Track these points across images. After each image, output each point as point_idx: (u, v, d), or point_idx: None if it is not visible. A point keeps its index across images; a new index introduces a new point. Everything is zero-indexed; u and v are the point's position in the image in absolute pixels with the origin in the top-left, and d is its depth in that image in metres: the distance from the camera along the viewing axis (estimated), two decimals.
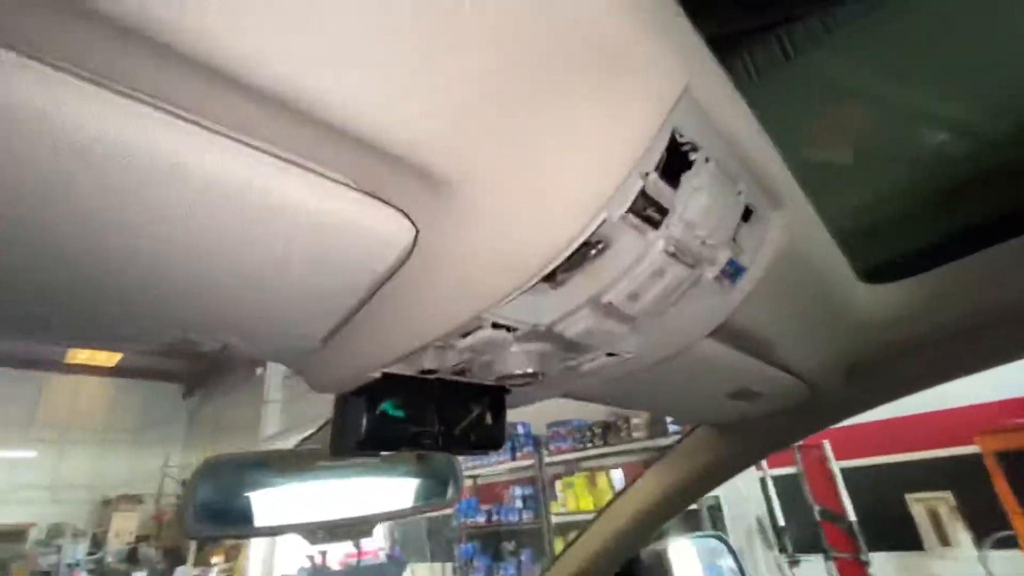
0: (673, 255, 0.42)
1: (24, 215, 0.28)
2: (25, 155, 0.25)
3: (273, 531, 0.46)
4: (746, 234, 0.48)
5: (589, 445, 4.48)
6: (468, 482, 5.44)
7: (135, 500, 8.68)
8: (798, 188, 0.52)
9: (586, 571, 1.26)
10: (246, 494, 0.45)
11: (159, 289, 0.36)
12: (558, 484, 4.63)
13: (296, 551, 5.64)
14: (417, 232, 0.37)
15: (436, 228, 0.37)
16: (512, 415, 0.61)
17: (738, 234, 0.47)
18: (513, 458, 4.90)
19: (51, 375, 8.86)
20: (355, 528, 0.49)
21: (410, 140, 0.29)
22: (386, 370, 0.50)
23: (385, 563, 5.53)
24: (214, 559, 6.95)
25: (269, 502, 0.47)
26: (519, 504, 4.79)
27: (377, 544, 5.90)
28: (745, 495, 3.96)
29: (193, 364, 9.32)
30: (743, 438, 1.10)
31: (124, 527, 8.22)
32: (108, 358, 8.57)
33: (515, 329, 0.46)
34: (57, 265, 0.32)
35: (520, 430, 4.92)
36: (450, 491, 0.58)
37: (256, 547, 5.07)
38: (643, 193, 0.37)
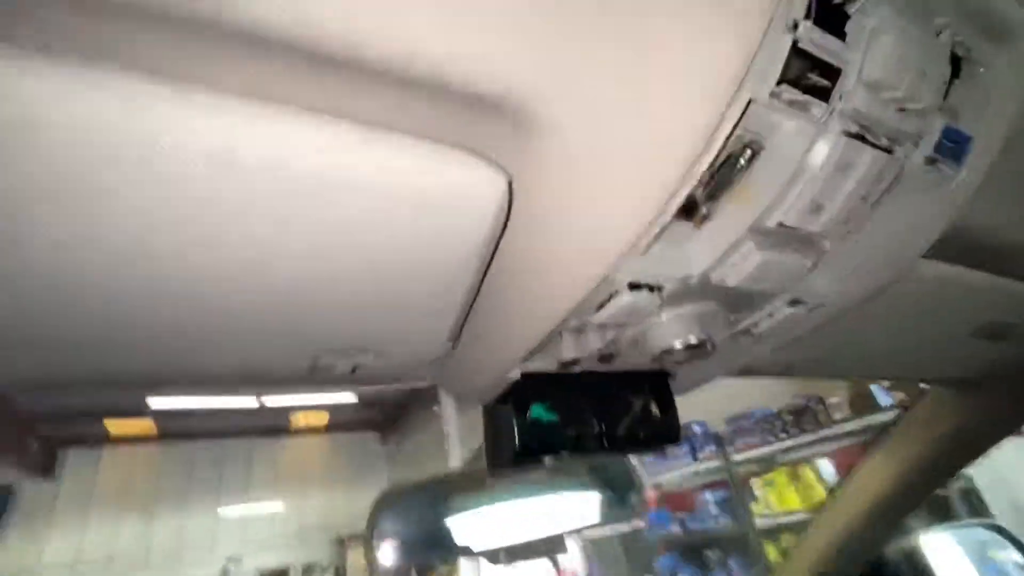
0: (859, 136, 0.30)
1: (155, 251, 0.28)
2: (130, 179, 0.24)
3: (452, 556, 0.45)
4: (962, 91, 0.34)
5: (782, 435, 3.98)
6: (652, 492, 5.19)
7: (362, 538, 9.98)
8: None
9: None
10: (423, 521, 0.45)
11: (287, 307, 0.35)
12: (755, 483, 4.18)
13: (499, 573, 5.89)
14: (510, 181, 0.31)
15: (530, 173, 0.31)
16: (683, 414, 0.53)
17: (950, 92, 0.33)
18: (695, 460, 4.56)
19: (280, 439, 10.70)
20: (535, 548, 0.46)
21: (491, 75, 0.25)
22: (524, 368, 0.45)
23: None
24: None
25: (446, 527, 0.46)
26: (713, 510, 4.41)
27: (574, 563, 5.89)
28: (1011, 473, 3.13)
29: (382, 413, 10.51)
30: (996, 394, 0.80)
31: (358, 562, 9.44)
32: (319, 419, 10.11)
33: (660, 287, 0.37)
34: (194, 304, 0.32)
35: (697, 429, 4.57)
36: (632, 500, 0.52)
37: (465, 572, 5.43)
38: (796, 51, 0.26)
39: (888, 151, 0.32)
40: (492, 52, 0.24)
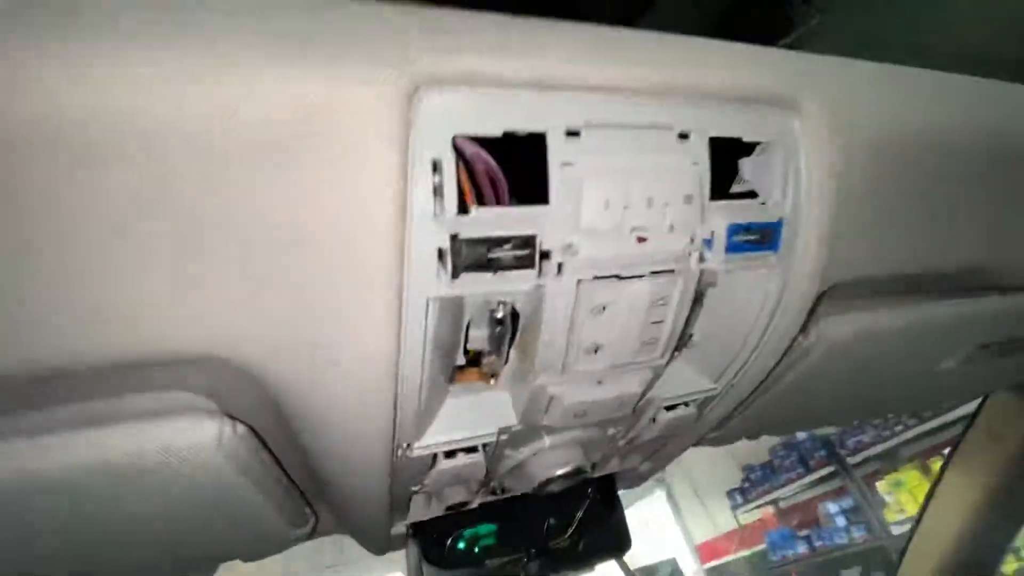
0: (605, 277, 0.27)
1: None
2: None
3: None
4: (756, 172, 0.31)
5: (898, 428, 3.56)
6: (769, 509, 4.78)
7: None
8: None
9: None
10: None
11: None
12: (880, 486, 3.74)
13: None
14: (228, 414, 0.30)
15: (245, 407, 0.30)
16: None
17: (734, 182, 0.31)
18: (807, 471, 4.16)
19: None
20: None
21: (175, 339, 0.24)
22: (409, 519, 0.42)
23: None
24: None
25: None
26: (840, 521, 3.97)
27: None
28: None
29: None
30: None
31: None
32: None
33: (479, 448, 0.34)
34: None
35: (801, 434, 4.19)
36: None
37: None
38: (459, 241, 0.24)
39: (665, 272, 0.28)
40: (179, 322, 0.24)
